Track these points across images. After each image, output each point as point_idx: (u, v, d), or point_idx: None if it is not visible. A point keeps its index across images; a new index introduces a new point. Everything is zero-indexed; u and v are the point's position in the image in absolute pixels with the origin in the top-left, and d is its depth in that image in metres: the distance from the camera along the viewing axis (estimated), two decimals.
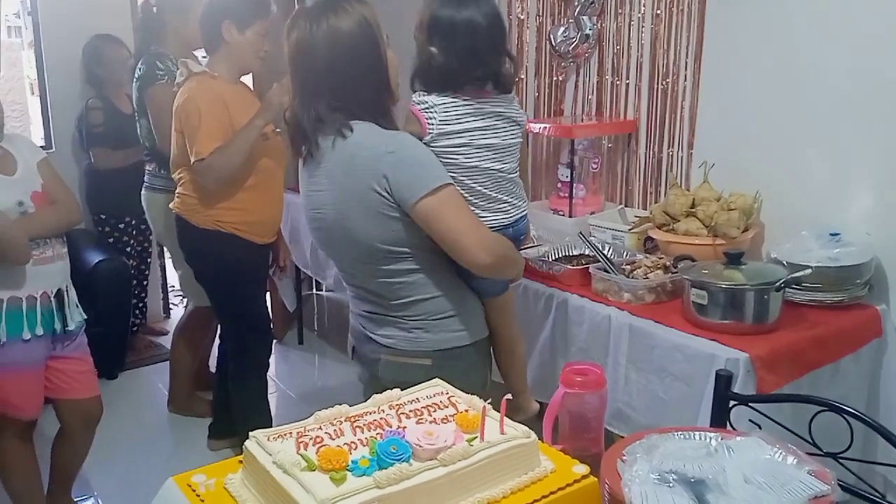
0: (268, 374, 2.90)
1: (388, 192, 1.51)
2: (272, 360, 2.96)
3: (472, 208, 1.63)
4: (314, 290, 4.47)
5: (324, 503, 0.90)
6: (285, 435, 1.07)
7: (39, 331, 2.13)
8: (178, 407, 3.23)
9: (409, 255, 1.58)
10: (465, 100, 1.62)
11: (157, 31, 2.96)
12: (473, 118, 1.62)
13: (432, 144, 1.59)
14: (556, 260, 2.35)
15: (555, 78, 3.03)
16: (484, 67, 1.63)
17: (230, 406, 2.84)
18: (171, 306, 4.47)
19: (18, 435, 2.28)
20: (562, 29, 2.89)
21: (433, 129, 1.58)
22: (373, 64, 1.56)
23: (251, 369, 2.80)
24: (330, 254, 1.71)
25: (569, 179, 2.66)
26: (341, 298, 4.58)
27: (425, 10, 1.66)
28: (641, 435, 1.11)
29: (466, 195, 1.62)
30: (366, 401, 1.78)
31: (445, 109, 1.60)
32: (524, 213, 1.76)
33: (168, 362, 3.53)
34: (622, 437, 1.33)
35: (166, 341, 3.99)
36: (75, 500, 2.56)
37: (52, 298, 2.17)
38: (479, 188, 1.65)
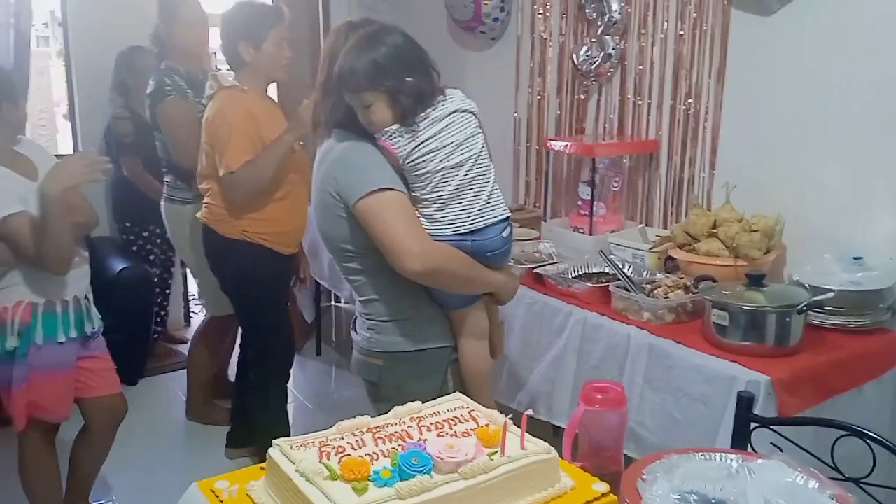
0: (286, 384, 2.92)
1: (336, 193, 1.62)
2: (290, 370, 2.98)
3: (436, 213, 1.60)
4: (332, 303, 4.49)
5: None
6: (308, 444, 1.08)
7: (73, 333, 2.18)
8: (195, 414, 3.26)
9: (361, 255, 1.66)
10: (419, 115, 1.60)
11: (165, 46, 3.00)
12: (431, 125, 1.60)
13: (407, 162, 1.60)
14: (575, 277, 2.35)
15: (576, 96, 3.05)
16: (426, 87, 1.61)
17: (248, 415, 2.86)
18: (191, 315, 4.51)
19: (42, 437, 2.31)
20: (584, 48, 2.91)
21: (402, 150, 1.59)
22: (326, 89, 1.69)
23: (271, 379, 2.82)
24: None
25: (589, 198, 2.67)
26: None
27: (343, 64, 1.62)
28: (661, 455, 1.11)
29: (433, 198, 1.60)
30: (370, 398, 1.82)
31: (402, 131, 1.59)
32: (495, 221, 1.65)
33: (186, 370, 3.59)
34: (633, 457, 1.32)
35: (186, 349, 4.03)
36: (93, 503, 2.58)
37: (82, 301, 2.22)
38: (448, 190, 1.60)
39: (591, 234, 2.63)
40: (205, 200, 2.63)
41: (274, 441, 1.09)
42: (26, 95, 3.55)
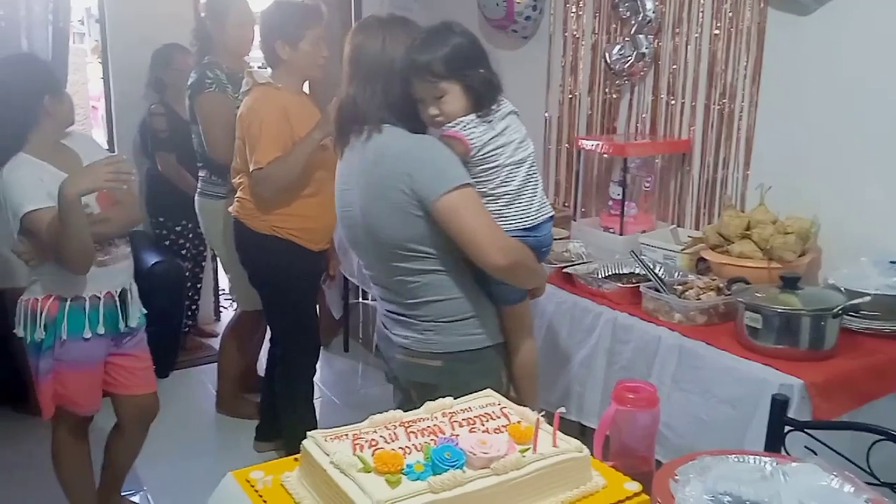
0: (313, 379, 2.95)
1: (411, 190, 1.57)
2: (317, 365, 3.00)
3: (506, 207, 1.66)
4: (360, 300, 4.51)
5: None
6: (341, 436, 1.09)
7: (101, 330, 2.17)
8: (225, 408, 3.30)
9: (428, 255, 1.63)
10: (491, 109, 1.66)
11: (209, 42, 3.05)
12: (501, 119, 1.66)
13: (479, 154, 1.63)
14: (605, 277, 2.34)
15: (608, 95, 3.03)
16: (495, 83, 1.66)
17: (276, 409, 2.89)
18: (220, 309, 4.56)
19: (73, 429, 2.33)
20: (617, 47, 2.89)
21: (477, 141, 1.62)
22: (388, 80, 1.63)
23: (298, 374, 2.85)
24: (357, 252, 1.79)
25: (620, 197, 2.66)
26: None
27: (417, 59, 1.65)
28: (694, 456, 1.10)
29: (503, 193, 1.65)
30: (394, 400, 1.83)
31: (476, 123, 1.63)
32: (547, 217, 1.73)
33: (216, 364, 3.64)
34: (658, 459, 1.32)
35: (216, 343, 4.08)
36: (125, 494, 2.62)
37: (116, 297, 2.21)
38: (517, 183, 1.66)
39: (621, 234, 2.62)
40: (237, 195, 2.66)
41: (308, 433, 1.10)
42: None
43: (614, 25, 2.96)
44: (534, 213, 1.69)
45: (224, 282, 4.54)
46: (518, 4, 3.27)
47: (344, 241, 1.86)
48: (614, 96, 3.01)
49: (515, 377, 1.81)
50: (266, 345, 3.14)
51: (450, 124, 1.62)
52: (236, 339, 3.25)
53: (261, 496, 1.06)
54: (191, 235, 3.89)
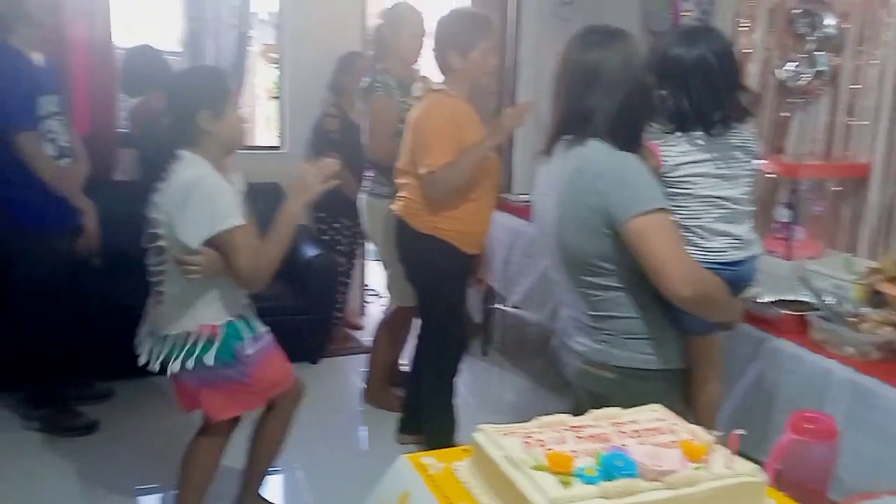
0: (455, 378, 3.01)
1: (603, 209, 1.54)
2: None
3: (697, 239, 1.62)
4: (500, 306, 4.55)
5: (554, 501, 0.95)
6: (511, 433, 1.12)
7: (261, 329, 2.24)
8: (372, 398, 3.44)
9: (614, 272, 1.61)
10: (700, 133, 1.64)
11: (383, 50, 3.21)
12: (708, 151, 1.63)
13: (667, 176, 1.61)
14: (768, 303, 2.25)
15: (779, 114, 2.90)
16: (719, 109, 1.64)
17: (419, 404, 2.98)
18: (364, 304, 4.76)
19: (224, 437, 2.31)
20: (793, 64, 2.77)
21: (668, 161, 1.60)
22: (628, 94, 1.60)
23: (443, 372, 2.91)
24: (548, 256, 1.77)
25: (788, 221, 2.54)
26: (525, 316, 4.64)
27: (655, 51, 1.69)
28: (875, 495, 1.05)
29: (695, 225, 1.62)
30: (570, 404, 1.83)
31: (680, 143, 1.61)
32: (752, 255, 1.70)
33: (361, 355, 3.81)
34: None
35: (361, 336, 4.30)
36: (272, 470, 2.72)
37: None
38: (710, 218, 1.65)
39: (787, 260, 2.50)
40: (400, 194, 2.77)
41: (479, 426, 1.14)
42: (240, 92, 3.90)
43: (789, 41, 2.83)
44: (737, 250, 1.65)
45: (370, 279, 4.77)
46: (684, 17, 3.20)
47: (539, 243, 1.85)
48: (785, 115, 2.88)
49: (696, 407, 1.77)
50: (412, 341, 3.23)
51: (653, 134, 1.61)
52: (389, 332, 3.38)
53: (433, 480, 1.12)
54: (347, 233, 4.08)
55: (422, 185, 2.63)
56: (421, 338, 3.01)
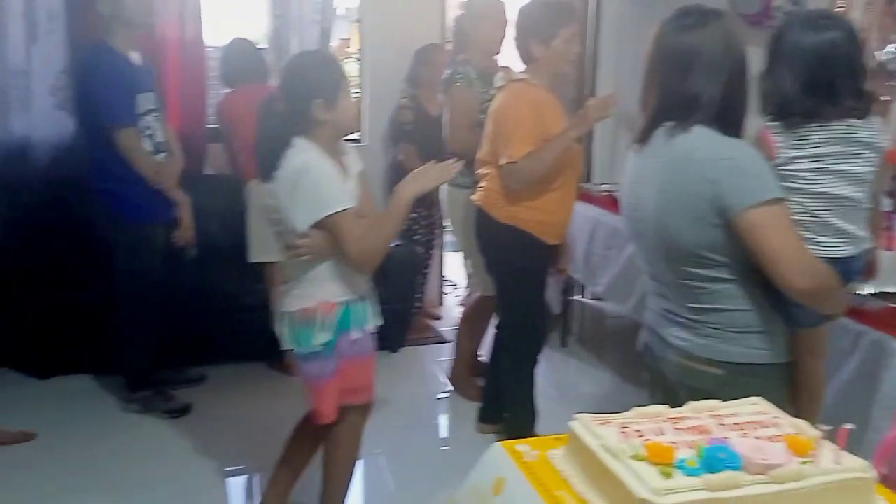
0: (535, 368, 3.01)
1: (715, 198, 1.48)
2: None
3: (809, 234, 1.57)
4: (580, 297, 4.52)
5: (656, 492, 0.94)
6: (608, 423, 1.12)
7: (371, 326, 2.23)
8: (455, 386, 3.47)
9: (723, 264, 1.55)
10: (819, 124, 1.58)
11: (464, 41, 3.22)
12: (826, 143, 1.57)
13: (781, 168, 1.56)
14: (869, 295, 2.15)
15: (878, 97, 2.76)
16: (840, 98, 1.57)
17: (499, 394, 2.99)
18: (442, 294, 4.80)
19: (358, 424, 2.32)
20: (893, 46, 2.64)
21: (783, 153, 1.55)
22: (730, 77, 1.55)
23: (523, 362, 2.91)
24: (640, 247, 1.72)
25: (889, 209, 2.42)
26: (605, 307, 4.59)
27: (775, 35, 1.63)
28: None
29: (807, 220, 1.58)
30: (651, 398, 1.79)
31: (796, 134, 1.56)
32: (863, 251, 1.64)
33: (440, 345, 3.89)
34: None
35: (439, 325, 4.35)
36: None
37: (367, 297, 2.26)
38: (824, 214, 1.59)
39: (888, 250, 2.38)
40: (482, 184, 2.78)
41: (575, 415, 1.14)
42: None
43: (888, 22, 2.69)
44: (851, 246, 1.61)
45: (448, 269, 4.80)
46: None
47: (627, 234, 1.80)
48: (885, 99, 2.74)
49: (799, 398, 1.71)
50: (491, 331, 3.25)
51: (769, 123, 1.56)
52: (473, 321, 3.41)
53: (529, 467, 1.12)
54: (424, 223, 4.12)
55: (502, 175, 2.63)
56: (500, 328, 3.02)
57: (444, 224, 4.20)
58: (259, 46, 3.80)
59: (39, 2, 3.50)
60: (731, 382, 1.55)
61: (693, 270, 1.57)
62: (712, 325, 1.59)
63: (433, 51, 3.93)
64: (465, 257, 3.29)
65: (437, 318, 4.45)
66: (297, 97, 2.03)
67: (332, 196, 2.01)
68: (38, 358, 3.48)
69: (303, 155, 2.03)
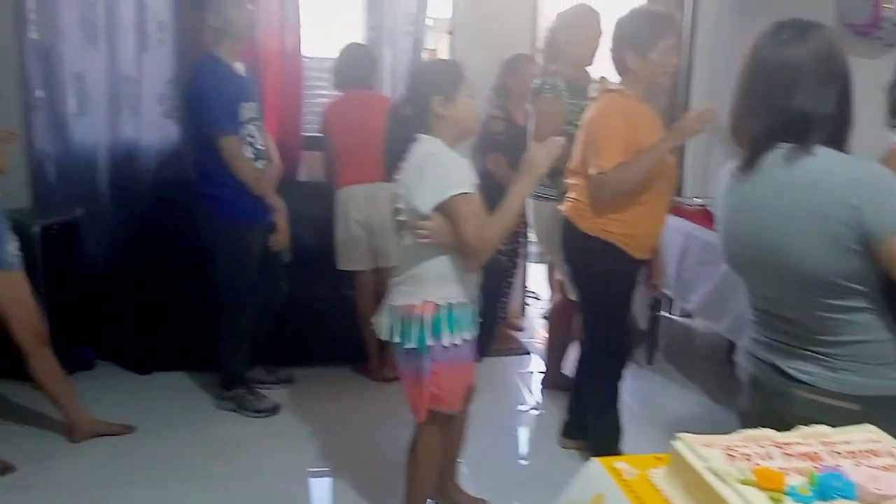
0: (619, 384, 2.95)
1: (854, 223, 1.40)
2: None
3: None
4: (669, 313, 4.42)
5: None
6: (713, 444, 1.09)
7: (469, 335, 2.24)
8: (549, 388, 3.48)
9: (860, 293, 1.46)
10: None
11: (555, 51, 3.21)
12: None
13: None
14: None
15: None
16: None
17: (581, 410, 2.96)
18: (525, 305, 4.78)
19: (445, 430, 2.35)
20: None
21: None
22: (837, 91, 1.49)
23: (606, 377, 2.86)
24: (747, 276, 1.64)
25: None
26: (693, 325, 4.47)
27: None
28: None
29: None
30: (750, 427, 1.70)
31: None
32: None
33: (522, 356, 3.92)
34: None
35: (522, 336, 4.34)
36: None
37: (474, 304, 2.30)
38: None
39: None
40: (570, 194, 2.76)
41: (679, 434, 1.11)
42: None
43: None
44: None
45: (530, 281, 4.79)
46: (886, 10, 2.96)
47: (727, 261, 1.70)
48: None
49: None
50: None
51: None
52: (557, 329, 3.41)
53: (628, 485, 1.11)
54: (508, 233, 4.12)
55: (590, 186, 2.61)
56: (583, 342, 2.97)
57: (528, 235, 4.20)
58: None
59: (150, 13, 3.71)
60: (869, 417, 1.41)
61: (824, 301, 1.49)
62: (846, 358, 1.50)
63: (521, 61, 3.93)
64: (557, 265, 3.28)
65: (520, 329, 4.44)
66: (419, 94, 2.17)
67: (457, 178, 2.10)
68: (139, 354, 3.67)
69: (429, 145, 2.14)
